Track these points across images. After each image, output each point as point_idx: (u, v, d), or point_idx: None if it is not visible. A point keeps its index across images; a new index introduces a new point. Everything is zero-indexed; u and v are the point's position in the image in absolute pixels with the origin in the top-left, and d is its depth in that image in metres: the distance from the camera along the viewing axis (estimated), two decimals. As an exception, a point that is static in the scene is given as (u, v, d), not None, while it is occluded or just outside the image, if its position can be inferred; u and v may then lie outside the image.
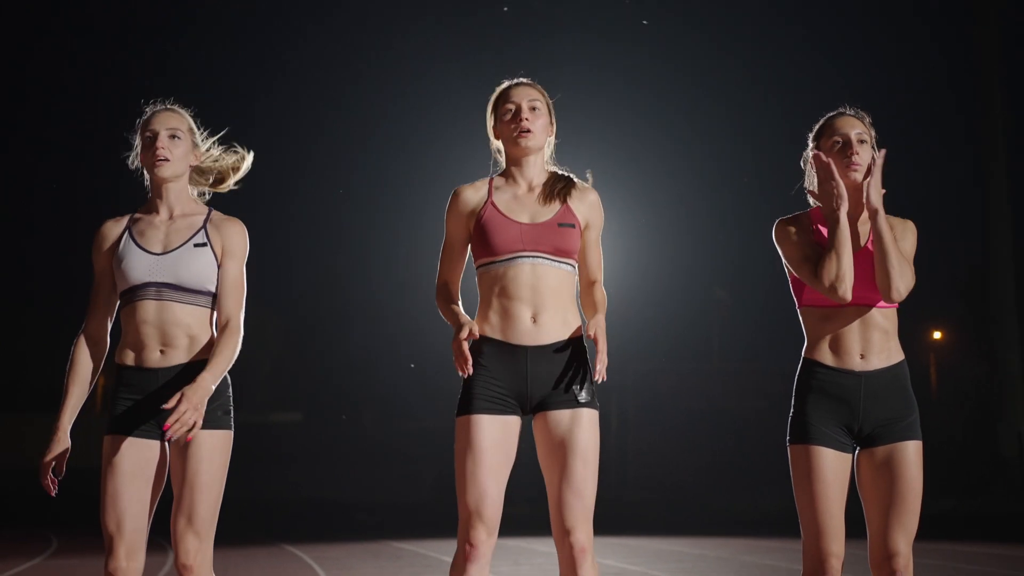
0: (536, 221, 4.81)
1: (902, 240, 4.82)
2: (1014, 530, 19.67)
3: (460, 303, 4.85)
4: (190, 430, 4.56)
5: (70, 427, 4.85)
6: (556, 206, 4.85)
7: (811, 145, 4.97)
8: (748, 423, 35.26)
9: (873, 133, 4.92)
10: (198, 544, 4.69)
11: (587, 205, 4.92)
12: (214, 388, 4.70)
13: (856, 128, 4.86)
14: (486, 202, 4.85)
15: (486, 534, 4.61)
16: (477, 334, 4.62)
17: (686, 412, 37.99)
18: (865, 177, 4.76)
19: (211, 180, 5.17)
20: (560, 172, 5.03)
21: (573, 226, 4.82)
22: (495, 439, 4.67)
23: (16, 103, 47.40)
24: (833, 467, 4.67)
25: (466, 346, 4.60)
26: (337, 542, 18.06)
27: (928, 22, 43.29)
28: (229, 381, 4.86)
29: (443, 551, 15.24)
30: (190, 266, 4.82)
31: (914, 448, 4.72)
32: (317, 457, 37.71)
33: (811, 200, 5.04)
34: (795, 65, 45.55)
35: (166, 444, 4.81)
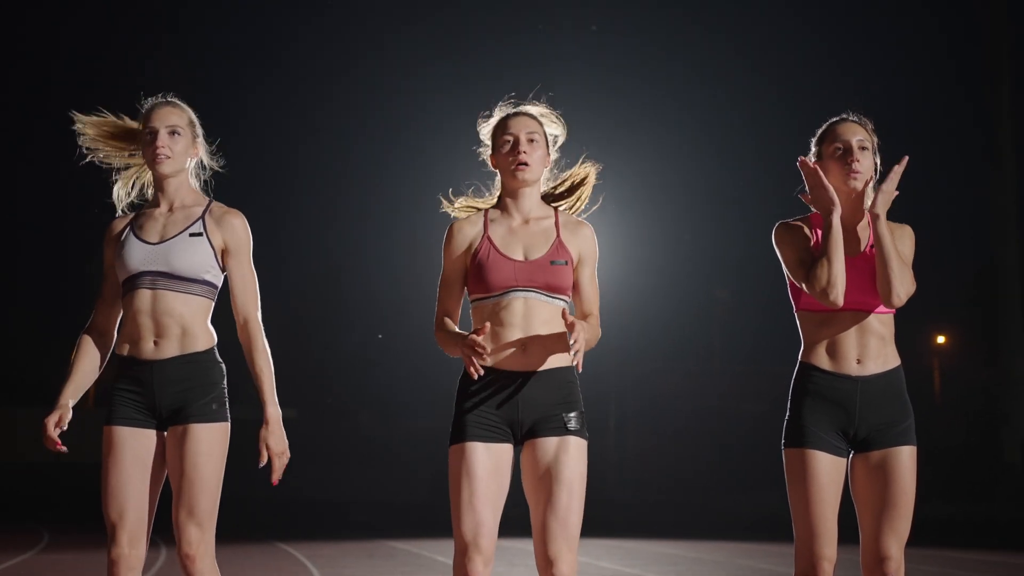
0: (530, 258, 4.85)
1: (900, 245, 4.90)
2: (1016, 537, 19.73)
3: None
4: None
5: (71, 403, 4.95)
6: (550, 239, 4.90)
7: (813, 150, 5.04)
8: (748, 425, 35.28)
9: (875, 139, 4.99)
10: (200, 534, 4.79)
11: (580, 239, 4.95)
12: (280, 413, 5.00)
13: (858, 135, 4.92)
14: (482, 237, 4.90)
15: (483, 564, 4.66)
16: (487, 331, 4.69)
17: (686, 413, 38.05)
18: (880, 182, 4.83)
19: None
20: (554, 206, 5.09)
21: (565, 263, 4.86)
22: (489, 467, 4.71)
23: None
24: (827, 471, 4.75)
25: (475, 337, 4.63)
26: (331, 541, 18.11)
27: (937, 17, 43.27)
28: (224, 373, 4.98)
29: (438, 551, 15.30)
30: (184, 255, 4.92)
31: (908, 453, 4.79)
32: (311, 455, 37.69)
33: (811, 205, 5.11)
34: (800, 61, 45.54)
35: (163, 434, 4.92)
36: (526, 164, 4.92)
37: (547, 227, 4.95)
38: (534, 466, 4.76)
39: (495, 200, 5.09)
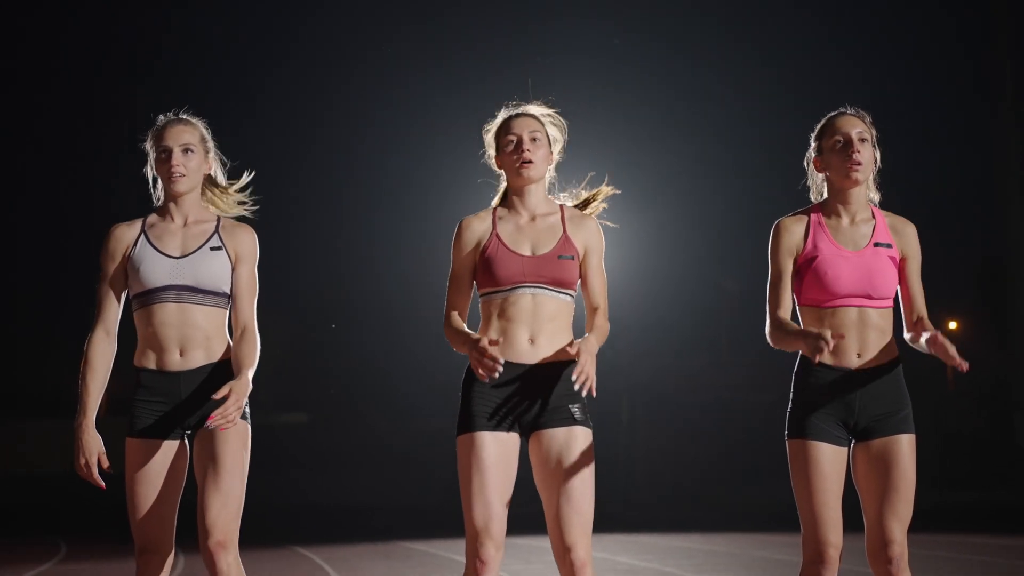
0: (537, 253, 5.05)
1: (908, 245, 5.05)
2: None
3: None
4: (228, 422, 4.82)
5: (94, 421, 5.04)
6: (557, 235, 5.09)
7: (813, 145, 5.17)
8: (758, 417, 35.30)
9: (874, 132, 5.11)
10: (228, 523, 4.92)
11: (586, 232, 5.15)
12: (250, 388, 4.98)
13: (857, 127, 5.04)
14: (491, 233, 5.10)
15: (495, 549, 4.84)
16: (496, 341, 4.85)
17: (696, 407, 38.05)
18: (937, 341, 4.90)
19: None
20: (559, 203, 5.26)
21: (572, 257, 5.07)
22: (497, 456, 4.90)
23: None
24: (830, 461, 4.90)
25: (486, 344, 4.77)
26: (347, 544, 18.20)
27: (944, 8, 43.25)
28: None
29: (454, 551, 15.38)
30: (208, 269, 5.09)
31: (907, 441, 4.94)
32: (323, 459, 37.77)
33: (812, 196, 5.25)
34: (807, 53, 45.50)
35: (185, 442, 5.07)
36: (530, 162, 5.11)
37: (553, 223, 5.14)
38: (544, 457, 4.94)
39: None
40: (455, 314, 5.10)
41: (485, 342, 4.77)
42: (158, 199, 5.30)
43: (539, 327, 4.98)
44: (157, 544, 5.01)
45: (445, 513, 26.77)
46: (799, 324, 5.04)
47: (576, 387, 4.80)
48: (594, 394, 4.86)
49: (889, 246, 5.02)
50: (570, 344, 4.89)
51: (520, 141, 5.13)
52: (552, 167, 5.28)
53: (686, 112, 43.98)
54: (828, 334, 4.63)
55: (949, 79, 42.96)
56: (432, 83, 45.55)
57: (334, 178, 47.53)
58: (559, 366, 4.99)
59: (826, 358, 4.83)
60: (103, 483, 5.03)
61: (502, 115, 5.27)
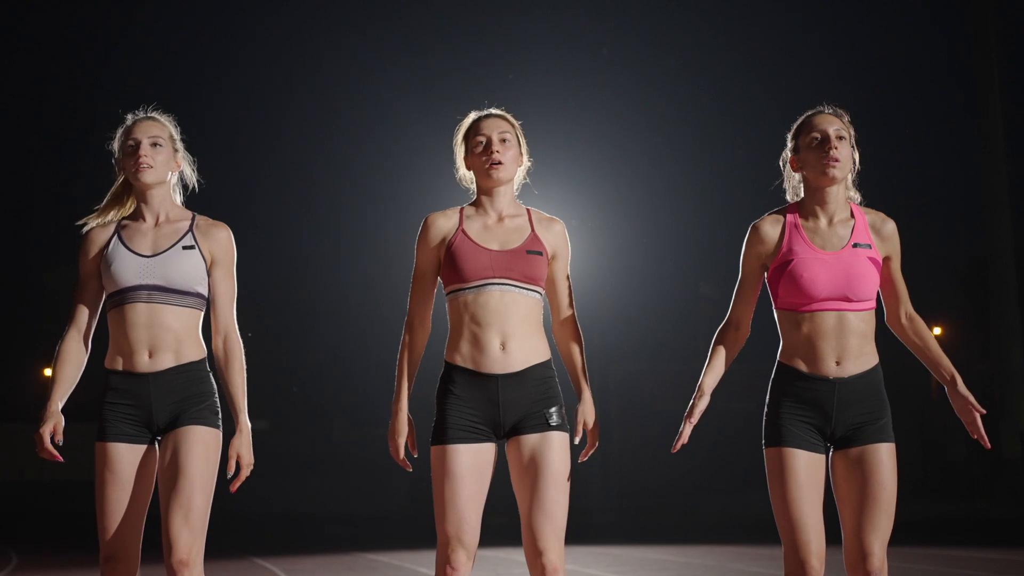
0: (505, 248, 5.09)
1: (888, 244, 5.05)
2: (1015, 534, 19.87)
3: (413, 376, 5.23)
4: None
5: (61, 406, 5.08)
6: (525, 234, 5.14)
7: (789, 144, 5.18)
8: (735, 425, 35.39)
9: (852, 131, 5.13)
10: (193, 539, 4.94)
11: (553, 235, 5.21)
12: (250, 425, 5.15)
13: (835, 125, 5.06)
14: (457, 229, 5.14)
15: (466, 557, 4.93)
16: (413, 452, 5.18)
17: (670, 414, 38.00)
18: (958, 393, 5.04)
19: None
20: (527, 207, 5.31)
21: (540, 253, 5.12)
22: (471, 466, 4.98)
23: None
24: (807, 468, 4.90)
25: (402, 453, 5.15)
26: (308, 554, 18.18)
27: (928, 8, 43.49)
28: (214, 383, 5.17)
29: (418, 562, 15.39)
30: (180, 268, 5.11)
31: (887, 451, 4.94)
32: (285, 467, 37.75)
33: (788, 197, 5.25)
34: (787, 53, 45.69)
35: (155, 445, 5.08)
36: (500, 163, 5.15)
37: (521, 224, 5.20)
38: (519, 462, 5.03)
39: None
40: (416, 332, 5.21)
41: (402, 453, 5.17)
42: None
43: (510, 330, 5.02)
44: (123, 552, 5.02)
45: (409, 524, 26.79)
46: (779, 329, 5.05)
47: (584, 459, 5.18)
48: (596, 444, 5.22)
49: (869, 246, 5.01)
50: (584, 425, 5.14)
51: (489, 142, 5.18)
52: (522, 169, 5.31)
53: (667, 117, 44.10)
54: (687, 430, 4.99)
55: (934, 80, 43.22)
56: (399, 83, 45.57)
57: (297, 179, 47.54)
58: (531, 371, 5.05)
59: (685, 439, 4.98)
60: (59, 455, 5.03)
61: (471, 116, 5.32)
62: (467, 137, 5.26)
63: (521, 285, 5.05)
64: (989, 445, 4.99)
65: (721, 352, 5.14)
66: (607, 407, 37.93)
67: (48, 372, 43.65)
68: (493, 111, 5.30)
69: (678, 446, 4.97)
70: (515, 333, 5.02)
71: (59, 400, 5.09)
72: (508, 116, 5.30)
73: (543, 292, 5.16)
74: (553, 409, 5.04)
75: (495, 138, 5.17)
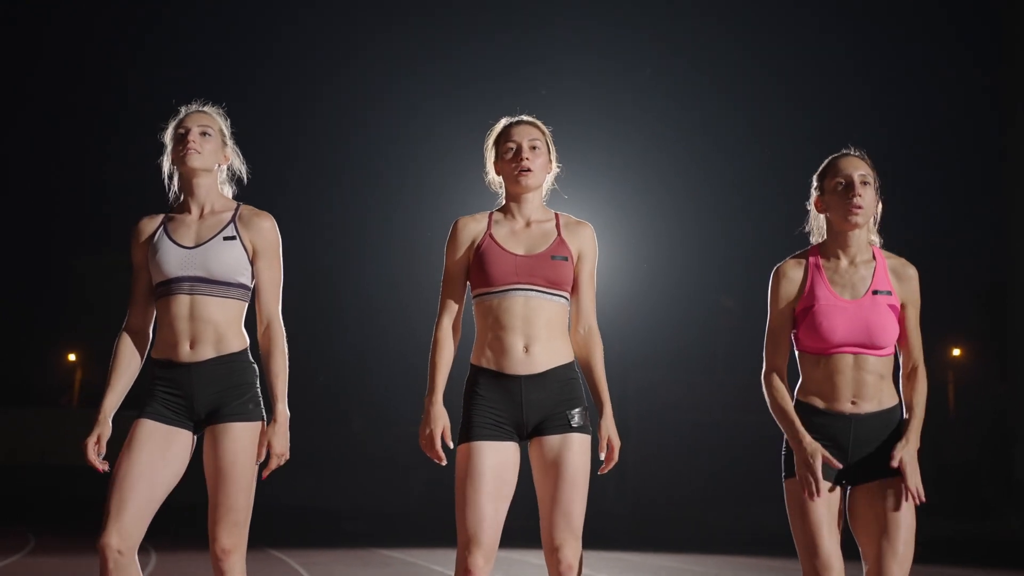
0: (531, 253, 5.12)
1: (908, 291, 5.05)
2: (1018, 557, 19.82)
3: (449, 369, 5.21)
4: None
5: (112, 414, 5.11)
6: (551, 239, 5.17)
7: (815, 185, 5.18)
8: (752, 438, 35.38)
9: (876, 176, 5.13)
10: (237, 531, 5.00)
11: (580, 237, 5.22)
12: (288, 415, 5.17)
13: (860, 169, 5.04)
14: (485, 234, 5.17)
15: (483, 560, 4.92)
16: (449, 443, 5.09)
17: (688, 425, 38.13)
18: (900, 463, 4.89)
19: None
20: (556, 212, 5.33)
21: (566, 259, 5.13)
22: (494, 465, 5.00)
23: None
24: (826, 499, 4.92)
25: (438, 442, 5.05)
26: (324, 548, 18.22)
27: (953, 25, 43.38)
28: (257, 373, 5.17)
29: (432, 560, 15.41)
30: (220, 259, 5.11)
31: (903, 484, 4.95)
32: (303, 463, 37.79)
33: (813, 239, 5.26)
34: (813, 70, 45.66)
35: (194, 437, 5.10)
36: (529, 170, 5.18)
37: (548, 229, 5.22)
38: (540, 461, 5.06)
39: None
40: (449, 334, 5.20)
41: (438, 443, 5.05)
42: (175, 195, 5.33)
43: (534, 334, 5.06)
44: (122, 528, 4.88)
45: (424, 523, 26.82)
46: (799, 367, 5.08)
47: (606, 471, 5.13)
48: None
49: (889, 293, 5.02)
50: (600, 435, 5.11)
51: (520, 149, 5.21)
52: (551, 176, 5.35)
53: (686, 126, 44.08)
54: (815, 485, 4.83)
55: (960, 106, 43.08)
56: (426, 85, 45.60)
57: (324, 178, 47.61)
58: (555, 373, 5.08)
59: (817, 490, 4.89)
60: (101, 467, 5.03)
61: (503, 122, 5.34)
62: (498, 142, 5.29)
63: (545, 290, 5.09)
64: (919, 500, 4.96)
65: (787, 398, 5.04)
66: (626, 414, 37.98)
67: (72, 357, 44.11)
68: (524, 118, 5.32)
69: (813, 496, 4.85)
70: (539, 337, 5.06)
71: (110, 407, 5.11)
72: (539, 123, 5.32)
73: (569, 297, 5.19)
74: (575, 411, 5.08)
75: (525, 145, 5.20)
